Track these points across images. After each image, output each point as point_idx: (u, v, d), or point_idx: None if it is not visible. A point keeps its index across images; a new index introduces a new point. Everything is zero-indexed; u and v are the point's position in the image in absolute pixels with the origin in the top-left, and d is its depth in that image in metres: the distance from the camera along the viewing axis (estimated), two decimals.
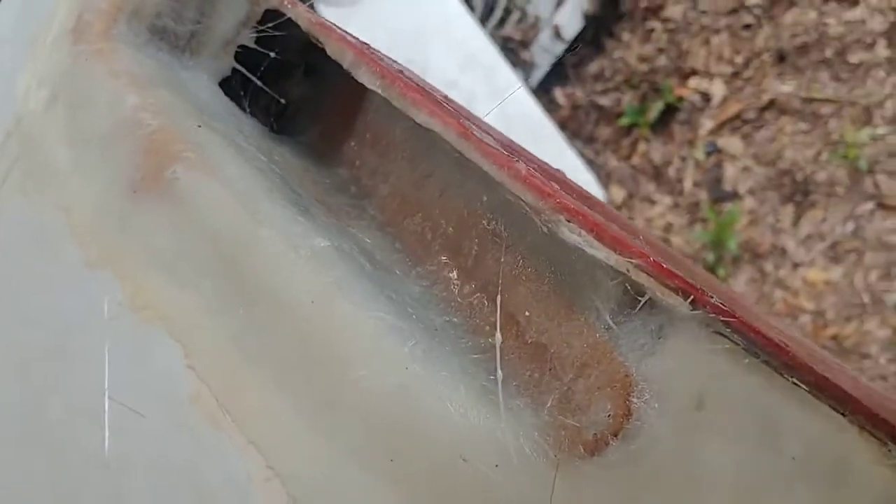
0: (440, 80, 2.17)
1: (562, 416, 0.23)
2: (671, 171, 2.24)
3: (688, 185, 2.22)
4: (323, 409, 0.25)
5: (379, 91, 0.31)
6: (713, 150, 2.19)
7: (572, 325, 0.25)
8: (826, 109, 2.07)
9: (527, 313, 0.26)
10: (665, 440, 0.22)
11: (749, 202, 2.12)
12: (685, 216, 2.20)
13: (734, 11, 2.25)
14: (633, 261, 0.22)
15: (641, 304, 0.23)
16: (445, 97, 0.35)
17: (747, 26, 2.22)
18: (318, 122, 0.41)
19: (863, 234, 1.97)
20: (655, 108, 2.25)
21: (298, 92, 0.42)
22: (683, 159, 2.24)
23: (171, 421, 0.27)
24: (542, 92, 2.36)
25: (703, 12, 2.29)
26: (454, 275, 0.29)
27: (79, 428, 0.29)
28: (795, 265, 2.02)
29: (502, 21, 2.29)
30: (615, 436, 0.22)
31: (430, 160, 0.33)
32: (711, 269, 2.10)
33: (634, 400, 0.23)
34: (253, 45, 0.38)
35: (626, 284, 0.23)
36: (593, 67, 2.39)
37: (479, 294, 0.28)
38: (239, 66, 0.38)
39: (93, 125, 0.32)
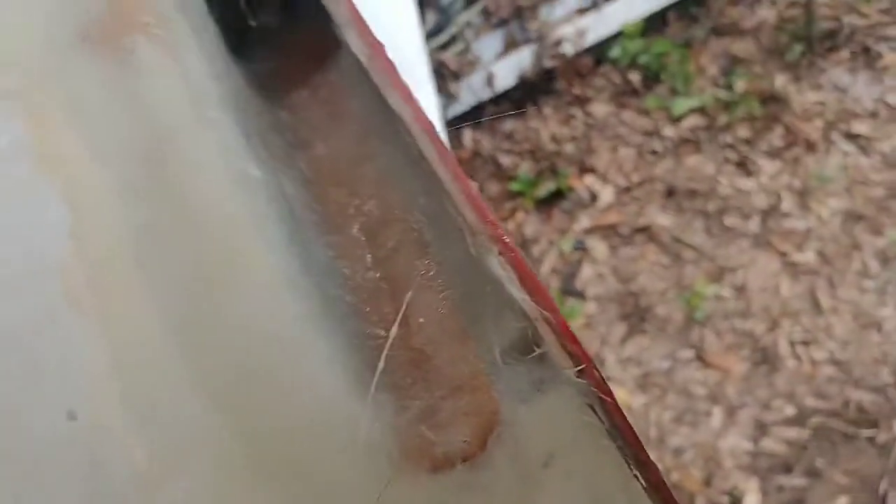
0: None
1: (421, 425, 0.24)
2: (535, 249, 2.31)
3: (545, 268, 2.29)
4: (191, 330, 0.25)
5: (362, 59, 0.31)
6: (580, 247, 2.28)
7: (461, 347, 0.26)
8: (688, 254, 2.20)
9: (421, 320, 0.27)
10: (505, 483, 0.23)
11: (591, 307, 2.22)
12: None
13: (649, 134, 2.36)
14: (545, 313, 0.23)
15: (535, 354, 0.23)
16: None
17: (654, 152, 2.34)
18: (276, 56, 0.40)
19: (673, 376, 2.10)
20: (546, 188, 2.32)
21: (267, 20, 0.41)
22: (551, 243, 2.32)
23: (28, 280, 0.26)
24: (451, 127, 2.39)
25: (623, 123, 2.40)
26: (365, 257, 0.29)
27: None
28: (607, 378, 2.11)
29: (445, 45, 2.31)
30: (463, 461, 0.23)
31: (379, 143, 0.33)
32: None
33: (492, 436, 0.23)
34: None
35: (528, 331, 0.24)
36: (507, 125, 2.45)
37: (381, 284, 0.28)
38: None
39: None
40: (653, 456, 1.45)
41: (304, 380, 0.23)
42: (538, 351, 0.23)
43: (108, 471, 0.24)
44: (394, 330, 0.25)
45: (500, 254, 0.24)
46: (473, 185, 0.26)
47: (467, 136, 2.44)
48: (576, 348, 0.23)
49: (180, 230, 0.25)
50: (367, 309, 0.28)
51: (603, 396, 0.23)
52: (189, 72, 0.27)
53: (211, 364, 0.24)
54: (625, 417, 0.23)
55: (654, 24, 2.45)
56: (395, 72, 0.30)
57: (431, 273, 0.28)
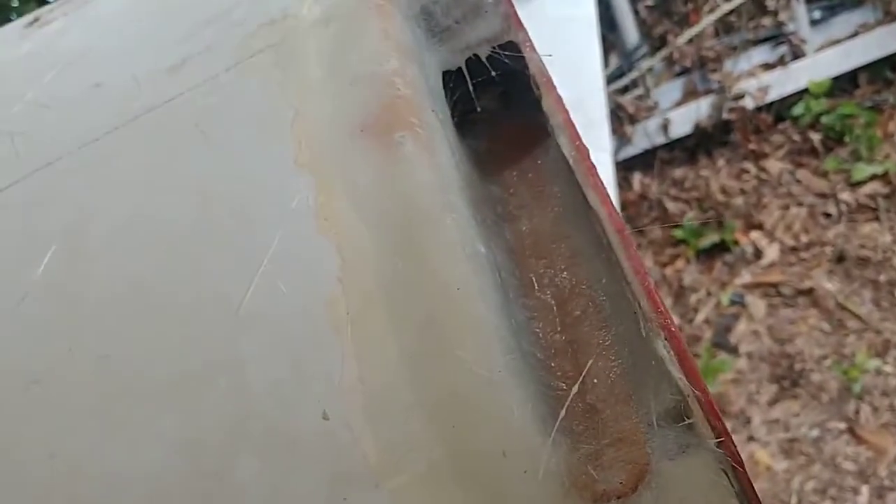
0: None
1: (588, 465, 0.31)
2: (692, 299, 2.31)
3: (700, 318, 2.29)
4: (421, 362, 0.33)
5: (570, 159, 0.38)
6: (738, 302, 2.26)
7: (626, 407, 0.32)
8: (852, 324, 2.14)
9: (596, 380, 0.34)
10: None
11: (742, 363, 2.19)
12: None
13: (824, 196, 2.32)
14: (696, 392, 0.30)
15: (684, 423, 0.30)
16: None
17: (827, 215, 2.29)
18: (492, 138, 0.48)
19: (822, 446, 2.04)
20: (710, 239, 2.32)
21: (489, 104, 0.49)
22: (709, 294, 2.31)
23: (303, 307, 0.35)
24: (622, 168, 2.44)
25: (798, 181, 2.36)
26: (555, 321, 0.36)
27: (227, 279, 0.36)
28: (751, 437, 2.09)
29: (625, 89, 2.37)
30: (617, 498, 0.30)
31: (574, 226, 0.40)
32: None
33: (642, 482, 0.30)
34: (483, 58, 0.45)
35: (681, 404, 0.30)
36: (678, 172, 2.46)
37: (565, 346, 0.36)
38: (465, 69, 0.45)
39: (351, 64, 0.39)
40: None
41: (502, 414, 0.31)
42: (687, 421, 0.30)
43: (348, 461, 0.33)
44: (575, 387, 0.32)
45: (665, 339, 0.31)
46: (651, 280, 0.33)
47: (636, 179, 2.47)
48: (718, 423, 0.29)
49: (421, 286, 0.33)
50: (553, 365, 0.35)
51: (735, 465, 0.29)
52: (440, 164, 0.35)
53: (433, 391, 0.32)
54: (752, 485, 0.29)
55: (841, 84, 2.40)
56: (595, 174, 0.37)
57: (608, 343, 0.35)
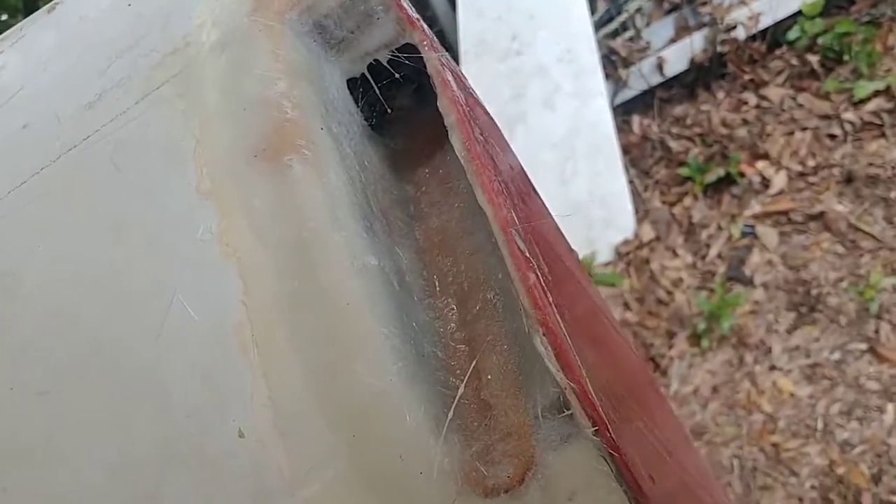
0: (534, 62, 2.24)
1: (478, 461, 0.32)
2: (703, 234, 2.31)
3: (713, 252, 2.29)
4: (322, 378, 0.35)
5: (460, 159, 0.39)
6: (749, 233, 2.26)
7: (515, 401, 0.34)
8: (866, 244, 2.13)
9: (489, 377, 0.35)
10: None
11: (759, 293, 2.19)
12: (697, 279, 2.27)
13: (827, 118, 2.29)
14: (571, 385, 0.31)
15: (564, 414, 0.32)
16: (498, 174, 0.44)
17: (832, 137, 2.27)
18: (408, 135, 0.49)
19: (844, 368, 2.05)
20: (716, 173, 2.30)
21: (403, 103, 0.50)
22: (720, 229, 2.31)
23: (213, 332, 0.37)
24: (621, 112, 2.42)
25: (800, 106, 2.33)
26: (454, 320, 0.38)
27: (145, 309, 0.38)
28: (772, 367, 2.10)
29: (615, 33, 2.34)
30: (506, 492, 0.31)
31: (476, 222, 0.41)
32: (697, 337, 2.18)
33: (529, 474, 0.32)
34: (384, 62, 0.46)
35: (560, 396, 0.32)
36: (678, 110, 2.44)
37: (463, 344, 0.37)
38: (367, 74, 0.46)
39: (243, 88, 0.40)
40: (817, 448, 1.46)
41: (395, 420, 0.33)
42: (567, 412, 0.31)
43: (266, 475, 0.35)
44: (461, 388, 0.34)
45: (543, 334, 0.32)
46: (532, 276, 0.34)
47: (636, 121, 2.46)
48: (594, 413, 0.31)
49: (316, 304, 0.35)
50: (453, 363, 0.37)
51: (612, 452, 0.30)
52: (328, 183, 0.37)
53: (334, 404, 0.34)
54: (630, 469, 0.30)
55: (836, 1, 2.35)
56: (485, 171, 0.38)
57: (501, 338, 0.36)
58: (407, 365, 0.34)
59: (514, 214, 0.39)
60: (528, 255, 0.36)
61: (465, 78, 0.55)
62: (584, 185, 2.21)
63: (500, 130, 0.67)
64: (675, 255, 2.28)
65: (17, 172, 0.46)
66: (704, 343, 2.14)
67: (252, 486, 0.35)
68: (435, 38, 0.48)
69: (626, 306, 2.24)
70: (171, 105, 0.43)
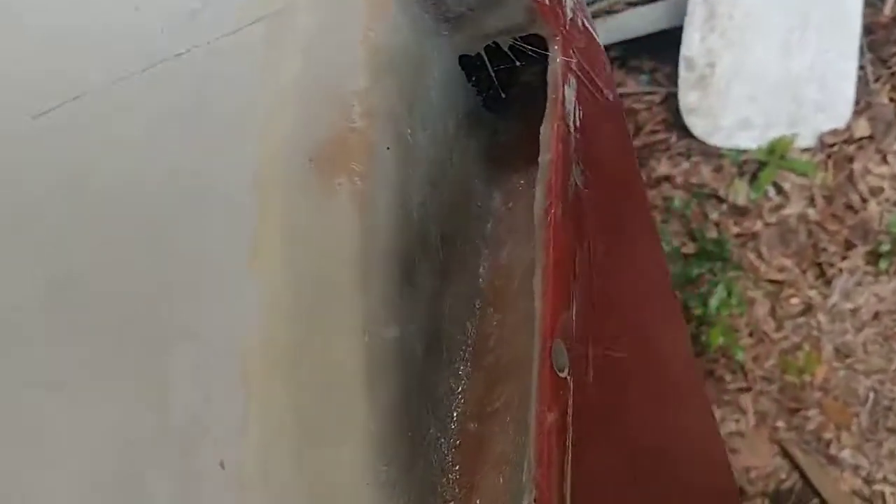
0: None
1: None
2: None
3: None
4: (304, 443, 0.32)
5: (535, 218, 0.33)
6: None
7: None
8: None
9: (478, 501, 0.32)
10: None
11: None
12: None
13: None
14: None
15: None
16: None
17: None
18: (523, 120, 0.43)
19: None
20: None
21: (529, 80, 0.43)
22: None
23: (223, 345, 0.34)
24: None
25: None
26: (474, 402, 0.34)
27: (165, 285, 0.36)
28: None
29: None
30: None
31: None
32: (877, 256, 1.99)
33: None
34: (505, 48, 0.39)
35: None
36: None
37: (472, 442, 0.33)
38: (484, 56, 0.39)
39: (321, 69, 0.35)
40: None
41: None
42: None
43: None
44: None
45: (534, 499, 0.28)
46: (549, 419, 0.29)
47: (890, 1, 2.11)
48: None
49: (317, 366, 0.32)
50: (455, 467, 0.33)
51: None
52: (368, 229, 0.32)
53: (310, 475, 0.32)
54: None
55: None
56: (555, 249, 0.32)
57: (507, 455, 0.32)
58: (392, 471, 0.31)
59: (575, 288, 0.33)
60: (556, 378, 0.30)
61: (606, 63, 0.46)
62: (808, 59, 1.96)
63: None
64: (885, 161, 2.03)
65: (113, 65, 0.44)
66: (882, 264, 1.95)
67: None
68: (588, 28, 0.39)
69: (811, 201, 2.06)
70: (254, 53, 0.38)
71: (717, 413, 1.58)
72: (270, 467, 0.33)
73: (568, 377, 0.32)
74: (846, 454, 1.51)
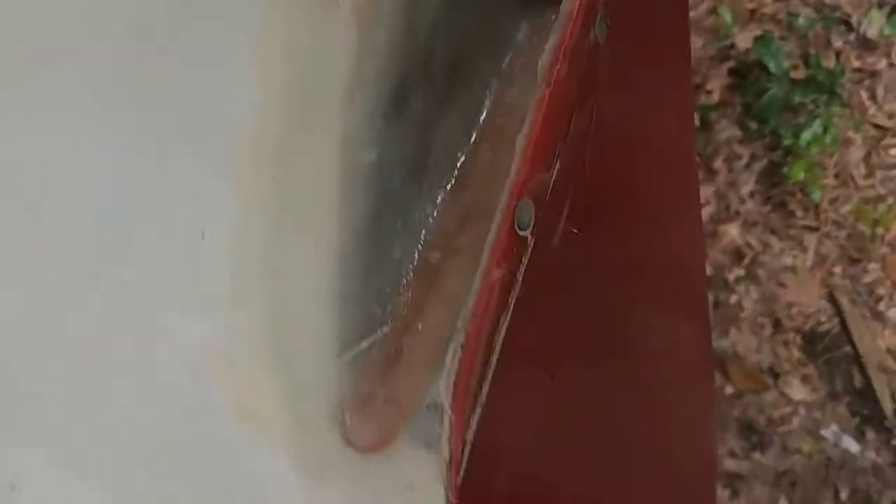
0: None
1: (354, 406, 0.33)
2: None
3: None
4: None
5: (538, 72, 0.32)
6: None
7: (421, 376, 0.33)
8: None
9: (421, 330, 0.34)
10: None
11: None
12: None
13: None
14: (451, 412, 0.30)
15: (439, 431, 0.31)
16: None
17: None
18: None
19: None
20: None
21: None
22: None
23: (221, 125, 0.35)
24: None
25: None
26: (444, 234, 0.35)
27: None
28: None
29: None
30: (355, 448, 0.32)
31: None
32: None
33: (382, 449, 0.32)
34: None
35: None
36: None
37: (426, 277, 0.35)
38: None
39: None
40: None
41: (308, 329, 0.33)
42: (440, 430, 0.30)
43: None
44: (386, 330, 0.33)
45: (462, 346, 0.30)
46: (495, 275, 0.30)
47: None
48: (457, 450, 0.29)
49: (302, 165, 0.32)
50: (407, 291, 0.35)
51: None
52: (362, 50, 0.31)
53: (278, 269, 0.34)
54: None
55: None
56: (550, 104, 0.31)
57: (458, 297, 0.33)
58: (348, 283, 0.32)
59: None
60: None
61: None
62: None
63: None
64: None
65: None
66: None
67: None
68: None
69: None
70: None
71: (777, 244, 1.56)
72: (242, 255, 0.35)
73: (529, 236, 0.32)
74: (893, 313, 1.49)
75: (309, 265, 0.33)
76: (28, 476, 0.33)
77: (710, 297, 1.51)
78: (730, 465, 1.53)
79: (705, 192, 1.55)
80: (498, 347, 0.31)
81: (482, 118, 0.37)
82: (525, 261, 0.32)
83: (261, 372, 0.34)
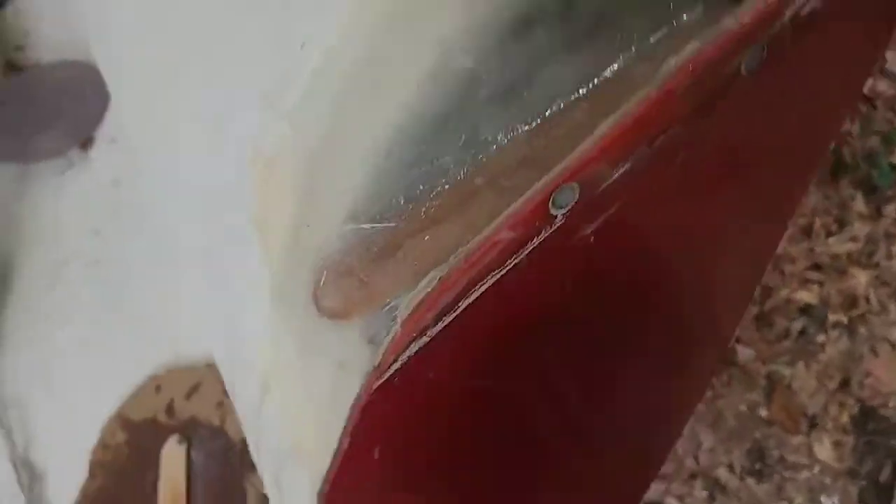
0: None
1: (338, 268, 0.34)
2: None
3: None
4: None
5: None
6: None
7: (422, 263, 0.34)
8: None
9: (441, 231, 0.34)
10: None
11: None
12: None
13: None
14: (398, 331, 0.31)
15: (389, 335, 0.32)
16: None
17: None
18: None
19: None
20: None
21: None
22: None
23: None
24: None
25: None
26: (506, 164, 0.35)
27: None
28: None
29: None
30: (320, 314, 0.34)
31: None
32: None
33: (343, 320, 0.34)
34: None
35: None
36: None
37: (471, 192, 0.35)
38: None
39: None
40: None
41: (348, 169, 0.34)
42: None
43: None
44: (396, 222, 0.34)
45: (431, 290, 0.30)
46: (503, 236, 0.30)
47: None
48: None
49: (395, 62, 0.32)
50: (453, 192, 0.34)
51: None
52: None
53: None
54: None
55: None
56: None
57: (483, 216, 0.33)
58: (392, 154, 0.33)
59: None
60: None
61: None
62: None
63: None
64: None
65: None
66: None
67: None
68: None
69: None
70: None
71: (895, 314, 1.49)
72: (324, 80, 0.36)
73: (560, 216, 0.32)
74: None
75: (374, 124, 0.34)
76: None
77: (799, 326, 1.45)
78: (722, 474, 1.53)
79: (862, 229, 1.46)
80: (471, 299, 0.31)
81: (598, 80, 0.35)
82: (543, 236, 0.32)
83: (284, 187, 0.36)
